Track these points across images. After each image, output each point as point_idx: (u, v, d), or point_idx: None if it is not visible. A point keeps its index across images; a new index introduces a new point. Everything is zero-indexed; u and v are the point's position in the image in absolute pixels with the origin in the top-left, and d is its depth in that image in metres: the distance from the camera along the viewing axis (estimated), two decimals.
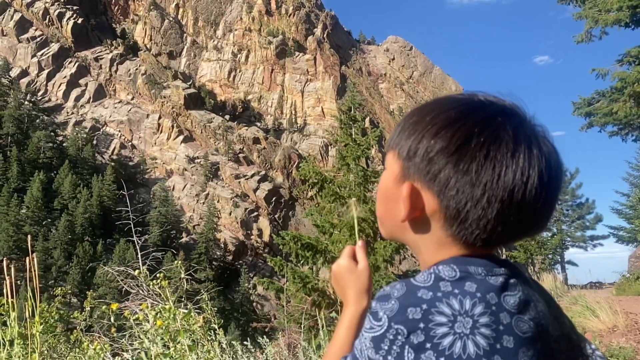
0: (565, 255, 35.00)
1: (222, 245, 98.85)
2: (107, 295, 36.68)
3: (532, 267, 27.21)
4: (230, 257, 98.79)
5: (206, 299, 3.98)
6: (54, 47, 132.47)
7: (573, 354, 0.87)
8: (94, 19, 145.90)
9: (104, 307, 4.01)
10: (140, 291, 4.16)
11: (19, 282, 3.42)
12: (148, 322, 3.12)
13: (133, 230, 5.21)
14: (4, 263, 3.28)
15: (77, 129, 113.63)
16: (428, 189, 0.82)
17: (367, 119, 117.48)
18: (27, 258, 3.15)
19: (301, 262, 13.15)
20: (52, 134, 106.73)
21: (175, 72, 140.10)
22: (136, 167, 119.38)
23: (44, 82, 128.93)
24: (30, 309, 3.12)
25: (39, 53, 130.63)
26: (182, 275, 4.20)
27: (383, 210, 0.92)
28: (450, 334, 0.74)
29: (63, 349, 4.74)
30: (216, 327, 3.70)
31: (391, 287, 0.82)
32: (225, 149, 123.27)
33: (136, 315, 3.39)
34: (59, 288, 6.19)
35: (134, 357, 3.37)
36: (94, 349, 3.74)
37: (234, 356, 3.79)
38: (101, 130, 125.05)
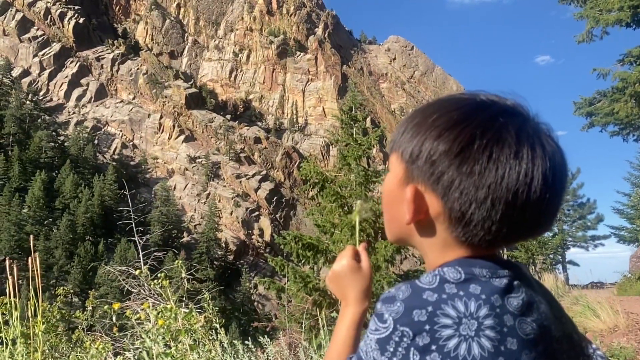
0: (567, 255, 35.02)
1: (223, 245, 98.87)
2: (109, 294, 36.73)
3: (533, 267, 27.22)
4: (231, 257, 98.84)
5: (207, 298, 4.00)
6: (56, 46, 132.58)
7: (574, 354, 0.88)
8: (95, 18, 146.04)
9: (105, 306, 4.03)
10: (142, 291, 4.17)
11: (20, 281, 3.43)
12: (149, 321, 3.14)
13: (134, 229, 5.23)
14: (7, 263, 3.30)
15: (78, 128, 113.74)
16: (432, 191, 0.82)
17: (368, 119, 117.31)
18: (29, 258, 3.16)
19: (302, 261, 13.15)
20: (53, 133, 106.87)
21: (176, 72, 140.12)
22: (137, 166, 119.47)
23: (46, 82, 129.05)
24: (32, 309, 3.14)
25: (41, 53, 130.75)
26: (183, 275, 4.22)
27: (388, 213, 0.92)
28: (456, 336, 0.74)
29: (65, 348, 4.75)
30: (217, 326, 3.71)
31: (396, 289, 0.82)
32: (226, 149, 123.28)
33: (138, 315, 3.40)
34: (61, 287, 6.21)
35: (136, 357, 3.38)
36: (96, 348, 3.76)
37: (235, 355, 3.81)
38: (102, 130, 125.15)
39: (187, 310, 3.28)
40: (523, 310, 0.79)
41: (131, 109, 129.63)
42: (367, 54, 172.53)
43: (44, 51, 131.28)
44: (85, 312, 5.07)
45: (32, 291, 3.10)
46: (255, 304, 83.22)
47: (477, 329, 0.75)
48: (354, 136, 14.40)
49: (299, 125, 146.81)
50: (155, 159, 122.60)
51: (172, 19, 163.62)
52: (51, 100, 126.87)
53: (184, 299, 4.00)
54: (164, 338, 3.01)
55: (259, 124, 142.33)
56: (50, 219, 79.25)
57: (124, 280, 4.40)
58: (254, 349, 4.21)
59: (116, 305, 3.77)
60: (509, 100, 0.85)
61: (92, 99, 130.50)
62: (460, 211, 0.80)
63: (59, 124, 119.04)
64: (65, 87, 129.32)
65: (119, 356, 3.76)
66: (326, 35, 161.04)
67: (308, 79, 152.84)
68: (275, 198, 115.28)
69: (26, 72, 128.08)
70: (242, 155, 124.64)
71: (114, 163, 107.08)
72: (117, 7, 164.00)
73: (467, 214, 0.80)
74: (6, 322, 3.16)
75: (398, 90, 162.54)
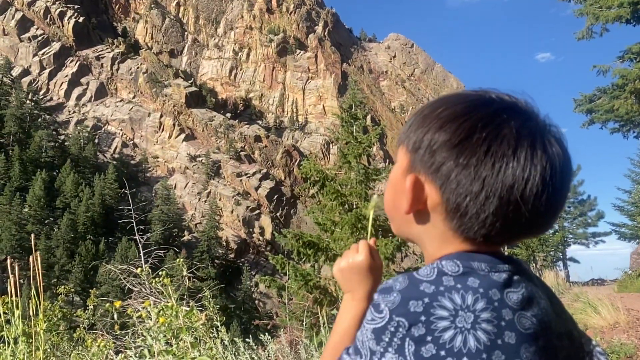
0: (567, 252, 35.13)
1: (224, 244, 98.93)
2: (110, 293, 36.82)
3: (534, 264, 27.24)
4: (232, 255, 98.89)
5: (208, 296, 4.01)
6: (56, 46, 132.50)
7: (574, 350, 0.87)
8: (95, 17, 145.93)
9: (106, 305, 4.04)
10: (143, 289, 4.18)
11: (22, 280, 3.43)
12: (151, 319, 3.15)
13: (135, 228, 5.24)
14: (8, 262, 3.31)
15: (78, 127, 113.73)
16: (431, 181, 0.83)
17: (369, 117, 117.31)
18: (31, 257, 3.17)
19: (303, 259, 13.17)
20: (54, 133, 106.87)
21: (176, 71, 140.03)
22: (138, 165, 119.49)
23: (46, 81, 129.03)
24: (33, 307, 3.15)
25: (41, 52, 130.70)
26: (184, 273, 4.23)
27: (391, 203, 0.93)
28: (451, 328, 0.74)
29: (66, 347, 4.77)
30: (218, 324, 3.72)
31: (394, 280, 0.82)
32: (226, 147, 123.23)
33: (139, 313, 3.41)
34: (62, 286, 6.21)
35: (137, 355, 3.39)
36: (98, 347, 3.78)
37: (236, 353, 3.82)
38: (103, 129, 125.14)
39: (188, 309, 3.29)
40: (523, 305, 0.79)
41: (131, 108, 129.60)
42: (367, 51, 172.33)
43: (43, 50, 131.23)
44: (86, 311, 5.08)
45: (34, 290, 3.11)
46: (256, 302, 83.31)
47: (474, 321, 0.75)
48: (354, 134, 14.40)
49: (299, 123, 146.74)
50: (155, 157, 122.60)
51: (172, 17, 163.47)
52: (51, 99, 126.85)
53: (185, 297, 4.01)
54: (165, 336, 3.02)
55: (259, 122, 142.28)
56: (51, 218, 79.35)
57: (125, 278, 4.41)
58: (254, 347, 4.22)
59: (117, 304, 3.79)
60: (519, 100, 0.85)
61: (92, 98, 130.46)
62: (456, 202, 0.81)
63: (59, 123, 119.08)
64: (65, 86, 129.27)
65: (120, 354, 3.77)
66: (326, 33, 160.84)
67: (308, 77, 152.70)
68: (275, 196, 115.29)
69: (26, 72, 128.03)
70: (242, 153, 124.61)
71: (114, 162, 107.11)
72: (117, 6, 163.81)
73: (462, 205, 0.80)
74: (8, 321, 3.17)
75: (398, 88, 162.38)
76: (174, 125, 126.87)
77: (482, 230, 0.81)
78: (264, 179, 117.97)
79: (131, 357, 3.44)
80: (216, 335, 3.67)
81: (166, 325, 3.03)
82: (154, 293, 4.04)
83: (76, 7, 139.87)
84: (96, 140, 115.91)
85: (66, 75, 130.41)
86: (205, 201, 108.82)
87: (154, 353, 2.98)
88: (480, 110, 0.82)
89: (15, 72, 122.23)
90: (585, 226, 34.36)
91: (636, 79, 19.24)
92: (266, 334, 4.45)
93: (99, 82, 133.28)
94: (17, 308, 3.15)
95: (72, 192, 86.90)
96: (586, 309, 8.51)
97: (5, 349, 3.18)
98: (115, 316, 3.81)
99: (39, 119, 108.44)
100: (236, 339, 4.00)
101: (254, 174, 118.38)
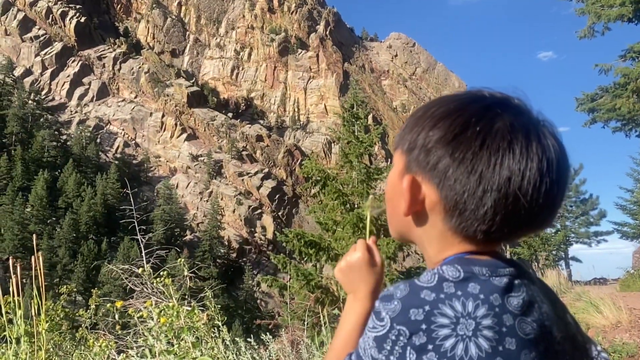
0: (569, 251, 35.05)
1: (226, 243, 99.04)
2: (112, 293, 36.86)
3: (536, 264, 27.21)
4: (234, 255, 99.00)
5: (210, 296, 4.01)
6: (57, 46, 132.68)
7: (578, 355, 0.86)
8: (96, 17, 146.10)
9: (108, 304, 4.05)
10: (145, 289, 4.19)
11: (24, 280, 3.44)
12: (152, 319, 3.15)
13: (137, 228, 5.24)
14: (10, 261, 3.32)
15: (80, 127, 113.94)
16: (428, 180, 0.83)
17: (370, 116, 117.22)
18: (33, 256, 3.18)
19: (304, 259, 13.19)
20: (55, 132, 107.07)
21: (178, 70, 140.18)
22: (140, 165, 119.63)
23: (48, 81, 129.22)
24: (36, 307, 3.16)
25: (43, 52, 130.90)
26: (186, 273, 4.23)
27: (390, 207, 0.92)
28: (453, 336, 0.74)
29: (69, 347, 4.78)
30: (220, 324, 3.72)
31: (395, 287, 0.81)
32: (228, 147, 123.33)
33: (140, 313, 3.42)
34: (64, 286, 6.22)
35: (139, 354, 3.40)
36: (100, 346, 3.78)
37: (238, 353, 3.82)
38: (105, 128, 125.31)
39: (189, 308, 3.30)
40: (523, 309, 0.78)
41: (133, 108, 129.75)
42: (368, 51, 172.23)
43: (45, 50, 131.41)
44: (88, 311, 5.09)
45: (36, 290, 3.12)
46: (258, 301, 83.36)
47: (475, 329, 0.74)
48: (356, 134, 14.41)
49: (301, 123, 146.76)
50: (157, 157, 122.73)
51: (174, 17, 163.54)
52: (53, 99, 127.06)
53: (186, 297, 4.02)
54: (166, 336, 3.02)
55: (261, 121, 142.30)
56: (54, 218, 79.51)
57: (126, 278, 4.42)
58: (256, 347, 4.22)
59: (119, 304, 3.80)
60: (511, 95, 0.85)
61: (94, 98, 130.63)
62: (454, 199, 0.80)
63: (61, 123, 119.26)
64: (67, 86, 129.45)
65: (122, 354, 3.78)
66: (327, 32, 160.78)
67: (310, 76, 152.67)
68: (277, 196, 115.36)
69: (28, 72, 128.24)
70: (244, 153, 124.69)
71: (116, 162, 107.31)
72: (119, 6, 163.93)
73: (461, 202, 0.80)
74: (10, 321, 3.18)
75: (400, 87, 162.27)
76: (175, 125, 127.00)
77: (482, 227, 0.80)
78: (266, 179, 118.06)
79: (133, 357, 3.44)
80: (218, 335, 3.67)
81: (168, 325, 3.03)
82: (156, 293, 4.05)
83: (78, 7, 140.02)
84: (98, 140, 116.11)
85: (68, 75, 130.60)
86: (207, 201, 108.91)
87: (156, 353, 2.99)
88: (472, 105, 0.82)
89: (17, 72, 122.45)
90: (588, 225, 34.27)
91: (638, 78, 19.20)
92: (267, 333, 4.45)
93: (101, 82, 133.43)
94: (20, 308, 3.16)
95: (74, 192, 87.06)
96: (588, 308, 8.49)
97: (7, 349, 3.19)
98: (117, 316, 3.82)
99: (41, 119, 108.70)
100: (238, 338, 4.00)
101: (255, 173, 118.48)
